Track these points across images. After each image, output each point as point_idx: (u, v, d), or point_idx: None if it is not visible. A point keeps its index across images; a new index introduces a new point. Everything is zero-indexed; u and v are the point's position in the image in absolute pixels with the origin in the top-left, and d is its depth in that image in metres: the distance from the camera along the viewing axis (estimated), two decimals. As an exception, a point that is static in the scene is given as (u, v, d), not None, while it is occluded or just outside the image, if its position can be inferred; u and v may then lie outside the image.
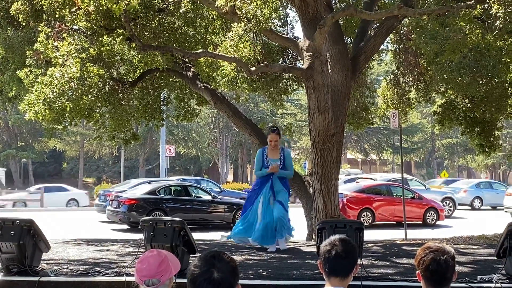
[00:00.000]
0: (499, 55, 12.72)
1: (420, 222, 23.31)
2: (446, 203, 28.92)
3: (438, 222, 23.73)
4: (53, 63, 11.30)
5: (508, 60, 12.71)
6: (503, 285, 7.15)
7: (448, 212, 28.60)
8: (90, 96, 11.10)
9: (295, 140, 59.67)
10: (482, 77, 13.52)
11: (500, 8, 9.80)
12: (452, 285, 3.50)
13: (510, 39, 12.53)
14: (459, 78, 13.14)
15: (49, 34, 11.35)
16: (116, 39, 11.23)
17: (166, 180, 28.35)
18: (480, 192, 35.01)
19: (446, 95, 17.10)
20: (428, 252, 3.44)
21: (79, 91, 10.82)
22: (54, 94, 10.68)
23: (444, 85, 15.41)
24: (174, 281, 3.39)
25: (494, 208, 33.54)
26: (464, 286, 7.08)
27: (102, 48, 11.27)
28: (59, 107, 10.77)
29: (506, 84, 15.29)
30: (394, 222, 22.62)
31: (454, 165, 70.16)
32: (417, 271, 3.51)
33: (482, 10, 10.44)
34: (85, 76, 10.80)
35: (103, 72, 11.35)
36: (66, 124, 12.31)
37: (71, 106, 10.86)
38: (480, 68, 12.99)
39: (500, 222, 17.57)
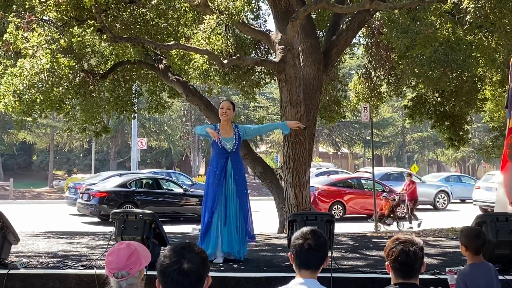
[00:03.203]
0: (469, 50, 12.86)
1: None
2: (440, 196, 29.65)
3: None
4: (23, 54, 11.16)
5: (478, 55, 12.85)
6: (471, 276, 7.22)
7: (443, 205, 29.49)
8: (60, 88, 11.00)
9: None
10: (452, 71, 13.67)
11: (470, 2, 9.91)
12: (420, 276, 3.54)
13: (480, 33, 12.67)
14: (430, 72, 13.26)
15: (19, 24, 11.21)
16: (87, 30, 11.14)
17: (137, 173, 28.16)
18: (450, 185, 35.41)
19: (417, 89, 17.27)
20: (397, 244, 3.47)
21: (50, 83, 10.71)
22: (24, 85, 10.56)
23: (415, 79, 15.55)
24: (145, 273, 3.38)
25: (463, 201, 33.95)
26: (433, 278, 7.15)
27: (72, 39, 11.16)
28: (29, 99, 10.66)
29: (476, 79, 15.49)
30: (365, 215, 22.79)
31: (424, 159, 70.68)
32: (386, 263, 3.54)
33: (453, 5, 10.55)
34: (56, 67, 10.69)
35: (74, 64, 11.24)
36: (36, 116, 12.19)
37: (42, 98, 10.75)
38: (450, 62, 13.12)
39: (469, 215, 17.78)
